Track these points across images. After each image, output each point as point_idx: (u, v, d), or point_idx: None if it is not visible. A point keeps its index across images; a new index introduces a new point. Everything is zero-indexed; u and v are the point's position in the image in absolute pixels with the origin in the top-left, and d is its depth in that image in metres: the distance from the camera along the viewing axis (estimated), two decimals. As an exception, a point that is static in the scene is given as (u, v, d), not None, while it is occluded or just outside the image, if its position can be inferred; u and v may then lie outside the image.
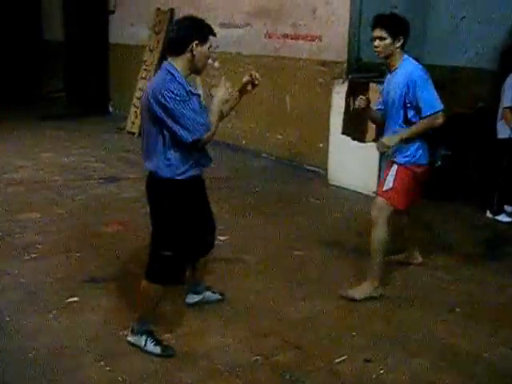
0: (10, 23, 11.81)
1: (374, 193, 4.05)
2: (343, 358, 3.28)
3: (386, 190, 3.91)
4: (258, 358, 3.26)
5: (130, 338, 3.33)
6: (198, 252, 3.60)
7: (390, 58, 3.86)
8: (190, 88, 3.13)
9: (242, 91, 3.44)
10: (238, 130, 8.19)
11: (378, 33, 3.80)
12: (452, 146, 6.12)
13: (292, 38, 7.42)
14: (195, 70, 3.17)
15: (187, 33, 3.09)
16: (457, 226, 5.51)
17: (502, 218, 5.63)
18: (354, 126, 4.90)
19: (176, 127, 3.02)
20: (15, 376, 3.07)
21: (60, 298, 3.87)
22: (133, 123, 9.44)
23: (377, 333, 3.57)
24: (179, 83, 3.04)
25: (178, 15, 8.93)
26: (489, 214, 5.69)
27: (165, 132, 3.06)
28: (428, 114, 3.75)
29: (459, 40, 6.60)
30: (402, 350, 3.38)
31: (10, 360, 3.19)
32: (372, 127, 4.51)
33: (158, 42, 9.25)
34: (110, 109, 11.18)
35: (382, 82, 4.17)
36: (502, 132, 5.50)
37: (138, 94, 9.46)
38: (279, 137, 7.81)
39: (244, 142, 8.33)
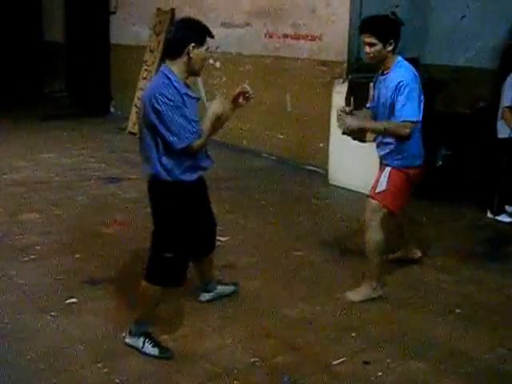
0: (11, 24, 11.80)
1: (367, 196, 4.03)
2: (342, 359, 3.27)
3: (379, 192, 3.88)
4: (256, 359, 3.25)
5: (127, 340, 3.33)
6: (199, 253, 3.63)
7: (383, 62, 3.82)
8: (187, 91, 3.13)
9: (235, 102, 3.39)
10: (239, 130, 8.18)
11: (367, 39, 3.73)
12: (452, 146, 6.14)
13: (292, 38, 7.42)
14: (192, 72, 3.18)
15: (183, 35, 3.09)
16: (457, 227, 5.49)
17: (503, 218, 5.61)
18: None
19: (166, 133, 3.02)
20: (12, 377, 3.06)
21: (58, 300, 3.86)
22: (134, 124, 9.43)
23: (376, 334, 3.55)
24: (175, 88, 3.05)
25: (179, 15, 8.94)
26: (489, 214, 5.67)
27: (158, 136, 3.07)
28: (401, 120, 3.67)
29: (459, 39, 6.57)
30: (400, 352, 3.36)
31: (7, 361, 3.18)
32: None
33: (159, 42, 9.23)
34: (112, 109, 11.18)
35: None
36: (502, 131, 5.48)
37: (139, 94, 9.45)
38: (279, 137, 7.81)
39: (244, 142, 8.33)
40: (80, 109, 11.05)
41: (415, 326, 3.67)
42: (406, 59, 3.92)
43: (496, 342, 3.50)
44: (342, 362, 3.25)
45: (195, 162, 3.22)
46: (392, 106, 3.73)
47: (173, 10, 9.17)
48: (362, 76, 6.07)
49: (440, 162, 6.03)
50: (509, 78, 5.39)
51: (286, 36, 7.51)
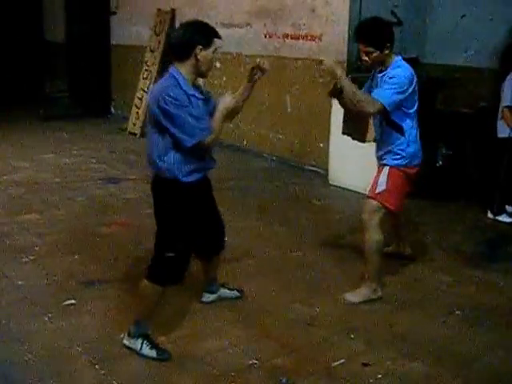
0: (11, 24, 11.82)
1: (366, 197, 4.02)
2: (341, 361, 3.25)
3: (379, 192, 3.87)
4: (254, 361, 3.23)
5: (125, 342, 3.31)
6: (208, 252, 3.69)
7: (382, 64, 3.82)
8: (195, 92, 3.17)
9: (251, 80, 3.50)
10: (239, 130, 8.18)
11: (363, 48, 3.76)
12: (453, 146, 6.12)
13: (292, 38, 7.42)
14: (200, 74, 3.22)
15: (190, 38, 3.13)
16: (457, 227, 5.47)
17: (503, 218, 5.59)
18: (355, 126, 4.88)
19: (175, 131, 3.06)
20: (10, 379, 3.05)
21: (57, 301, 3.85)
22: (134, 124, 9.43)
23: (375, 336, 3.54)
24: (182, 89, 3.09)
25: (179, 16, 8.94)
26: (490, 215, 5.66)
27: (165, 135, 3.10)
28: (375, 97, 3.65)
29: (459, 39, 6.56)
30: (400, 354, 3.34)
31: (4, 363, 3.17)
32: (372, 127, 4.48)
33: (159, 42, 9.24)
34: (112, 110, 11.18)
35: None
36: (502, 131, 5.47)
37: (139, 94, 9.46)
38: (280, 137, 7.80)
39: (245, 142, 8.33)
40: (80, 109, 11.06)
41: (415, 327, 3.66)
42: (405, 59, 3.91)
43: (496, 343, 3.48)
44: (341, 363, 3.24)
45: (200, 164, 3.25)
46: None
47: (173, 11, 9.17)
48: (361, 76, 6.05)
49: (440, 162, 6.02)
50: (509, 78, 5.37)
51: (286, 36, 7.51)
